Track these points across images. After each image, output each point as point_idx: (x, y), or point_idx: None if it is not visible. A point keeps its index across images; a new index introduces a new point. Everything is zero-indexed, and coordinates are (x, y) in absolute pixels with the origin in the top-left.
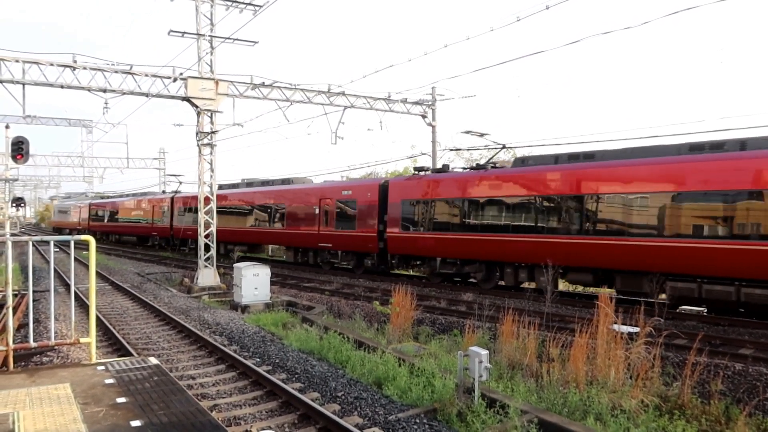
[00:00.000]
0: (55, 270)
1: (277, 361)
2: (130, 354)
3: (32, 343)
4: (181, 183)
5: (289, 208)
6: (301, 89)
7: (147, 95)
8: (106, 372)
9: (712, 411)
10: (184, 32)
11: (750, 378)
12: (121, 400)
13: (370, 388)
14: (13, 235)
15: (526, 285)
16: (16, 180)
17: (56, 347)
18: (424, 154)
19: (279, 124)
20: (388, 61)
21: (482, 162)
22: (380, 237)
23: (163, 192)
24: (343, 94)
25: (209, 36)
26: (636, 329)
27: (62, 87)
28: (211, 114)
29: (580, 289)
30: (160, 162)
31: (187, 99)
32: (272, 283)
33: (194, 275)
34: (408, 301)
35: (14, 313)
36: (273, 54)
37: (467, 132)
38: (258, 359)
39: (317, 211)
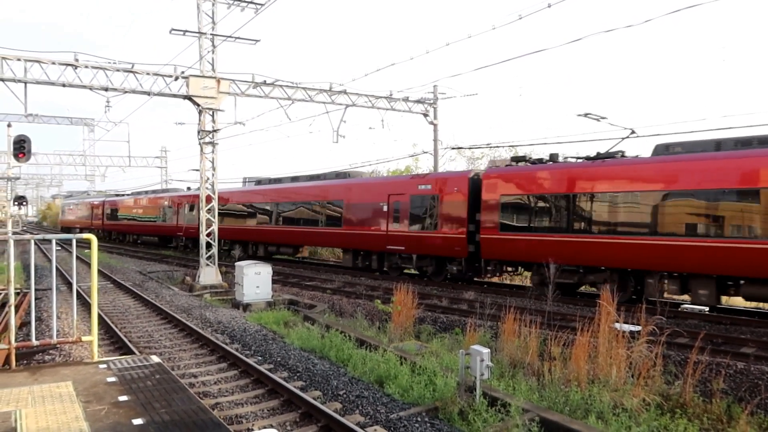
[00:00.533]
0: (57, 268)
1: (278, 359)
2: (132, 352)
3: (34, 342)
4: (207, 179)
5: (347, 205)
6: (303, 88)
7: (149, 94)
8: (108, 370)
9: (714, 410)
10: (186, 31)
11: (752, 377)
12: (123, 398)
13: (372, 386)
14: (14, 233)
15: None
16: (18, 178)
17: (58, 345)
18: (426, 152)
19: (280, 123)
20: (389, 59)
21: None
22: (470, 239)
23: (188, 189)
24: (345, 92)
25: (211, 34)
26: (638, 328)
27: (64, 86)
28: (213, 112)
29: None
30: (162, 161)
31: (188, 97)
32: (274, 281)
33: (196, 274)
34: (409, 299)
35: (16, 311)
36: (274, 52)
37: (585, 115)
38: (260, 357)
39: (385, 208)
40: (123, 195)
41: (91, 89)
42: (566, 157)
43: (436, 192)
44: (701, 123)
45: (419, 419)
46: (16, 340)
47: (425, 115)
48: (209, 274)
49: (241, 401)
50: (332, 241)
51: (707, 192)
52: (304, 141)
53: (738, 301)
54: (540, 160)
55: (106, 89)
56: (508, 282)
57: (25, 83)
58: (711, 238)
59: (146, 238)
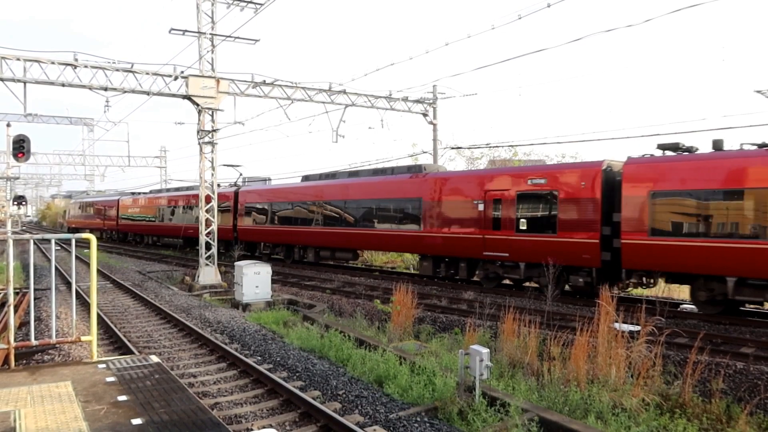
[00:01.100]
0: (56, 268)
1: (278, 359)
2: (131, 352)
3: (33, 342)
4: (241, 175)
5: (428, 203)
6: (302, 87)
7: (148, 93)
8: (107, 370)
9: (713, 410)
10: (185, 30)
11: (751, 377)
12: (122, 398)
13: (371, 386)
14: (14, 233)
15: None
16: (18, 178)
17: (57, 345)
18: (426, 152)
19: (280, 123)
20: (389, 59)
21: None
22: (604, 245)
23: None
24: (345, 92)
25: (210, 34)
26: (637, 328)
27: (63, 85)
28: (212, 112)
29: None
30: (162, 161)
31: (188, 97)
32: (273, 281)
33: (195, 273)
34: (409, 299)
35: (15, 311)
36: (274, 52)
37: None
38: (259, 357)
39: (481, 207)
40: (139, 193)
41: (90, 89)
42: (742, 144)
43: (554, 188)
44: (701, 123)
45: (418, 419)
46: (15, 340)
47: (425, 115)
48: (209, 274)
49: (240, 401)
50: (406, 246)
51: None
52: (304, 141)
53: None
54: (690, 150)
55: (106, 89)
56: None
57: (25, 83)
58: None
59: (167, 240)
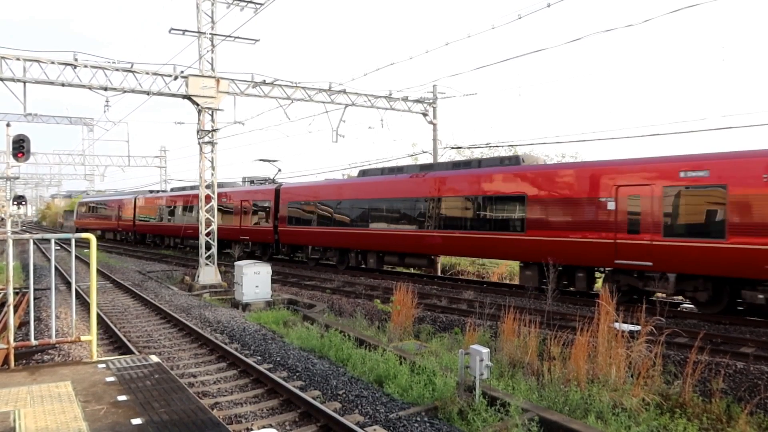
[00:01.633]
0: (56, 268)
1: (278, 359)
2: (131, 352)
3: (33, 341)
4: (279, 170)
5: (534, 200)
6: (302, 87)
7: (148, 93)
8: (107, 370)
9: (714, 409)
10: (185, 30)
11: (751, 376)
12: (122, 398)
13: (371, 386)
14: (13, 233)
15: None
16: (17, 178)
17: (57, 345)
18: (426, 152)
19: (280, 122)
20: (389, 58)
21: None
22: None
23: (251, 182)
24: (344, 92)
25: (210, 34)
26: (637, 327)
27: (63, 85)
28: (212, 112)
29: (582, 286)
30: (162, 160)
31: (188, 97)
32: (273, 281)
33: (195, 273)
34: (409, 299)
35: (15, 311)
36: (274, 52)
37: None
38: (259, 357)
39: (611, 205)
40: (158, 191)
41: (90, 89)
42: None
43: (721, 181)
44: (701, 123)
45: (418, 419)
46: (15, 340)
47: (424, 115)
48: (208, 274)
49: (240, 401)
50: (504, 251)
51: None
52: (304, 140)
53: None
54: None
55: (106, 89)
56: (508, 282)
57: (24, 83)
58: None
59: (194, 242)
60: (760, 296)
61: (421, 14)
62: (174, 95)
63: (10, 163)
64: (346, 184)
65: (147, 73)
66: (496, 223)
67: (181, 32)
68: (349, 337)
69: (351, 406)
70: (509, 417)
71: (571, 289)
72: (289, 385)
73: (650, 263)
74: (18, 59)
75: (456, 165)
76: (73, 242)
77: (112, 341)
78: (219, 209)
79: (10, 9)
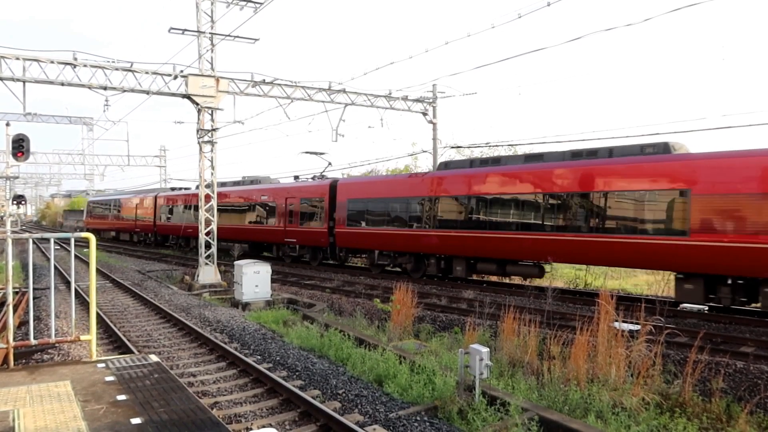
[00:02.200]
0: (55, 267)
1: (277, 358)
2: (130, 351)
3: (33, 341)
4: (330, 164)
5: (701, 198)
6: (302, 86)
7: (147, 93)
8: (106, 369)
9: (713, 409)
10: (185, 29)
11: (751, 376)
12: (121, 397)
13: (371, 385)
14: (13, 232)
15: (526, 282)
16: (17, 177)
17: (57, 345)
18: (425, 151)
19: (280, 122)
20: (389, 58)
21: None
22: None
23: (305, 178)
24: (344, 91)
25: (210, 33)
26: (637, 327)
27: (62, 84)
28: (212, 111)
29: (581, 286)
30: (161, 160)
31: (187, 96)
32: (273, 280)
33: (195, 273)
34: (409, 298)
35: (15, 310)
36: (274, 51)
37: None
38: (259, 357)
39: None
40: (180, 189)
41: (90, 88)
42: None
43: None
44: (701, 122)
45: (418, 418)
46: (14, 339)
47: (424, 114)
48: (208, 273)
49: (239, 400)
50: (655, 260)
51: None
52: (304, 140)
53: None
54: None
55: (105, 88)
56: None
57: (24, 82)
58: None
59: (223, 244)
60: None
61: (421, 14)
62: (173, 95)
63: (10, 162)
64: (428, 178)
65: (146, 73)
66: (642, 225)
67: (181, 32)
68: (349, 336)
69: (351, 405)
70: (509, 416)
71: (755, 307)
72: (288, 385)
73: None
74: (18, 59)
75: (575, 155)
76: (72, 242)
77: (112, 341)
78: (259, 207)
79: (10, 9)
